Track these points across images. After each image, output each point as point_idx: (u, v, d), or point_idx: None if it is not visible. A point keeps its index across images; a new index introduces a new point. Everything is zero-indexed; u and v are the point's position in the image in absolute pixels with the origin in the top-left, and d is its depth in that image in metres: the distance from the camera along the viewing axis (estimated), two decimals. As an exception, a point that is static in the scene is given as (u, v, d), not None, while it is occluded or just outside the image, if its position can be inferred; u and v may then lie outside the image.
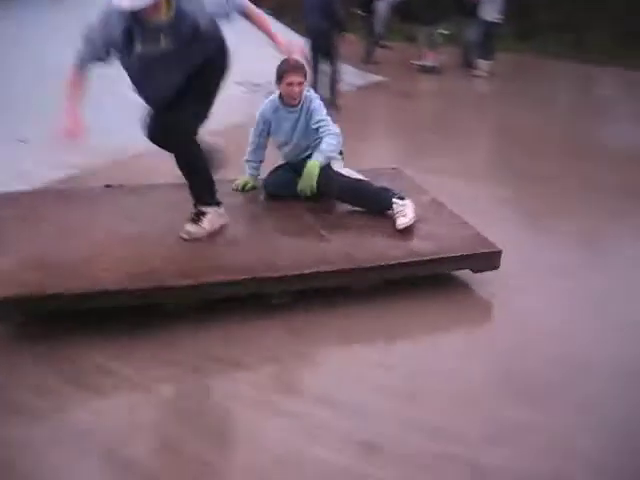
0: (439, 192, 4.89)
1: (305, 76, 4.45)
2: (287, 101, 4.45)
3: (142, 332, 3.50)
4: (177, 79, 3.80)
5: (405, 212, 4.15)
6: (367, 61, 12.05)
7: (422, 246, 4.00)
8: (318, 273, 3.71)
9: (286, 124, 4.50)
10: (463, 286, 4.11)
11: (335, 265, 3.77)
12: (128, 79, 3.80)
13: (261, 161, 4.72)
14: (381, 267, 3.83)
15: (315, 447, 2.79)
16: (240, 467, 2.76)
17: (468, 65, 12.16)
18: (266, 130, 4.60)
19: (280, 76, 4.40)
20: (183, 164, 3.93)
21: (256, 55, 7.08)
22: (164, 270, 3.60)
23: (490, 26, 11.74)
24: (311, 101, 4.45)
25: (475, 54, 12.03)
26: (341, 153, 4.58)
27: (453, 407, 3.09)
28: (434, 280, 4.03)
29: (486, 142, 8.42)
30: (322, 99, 4.62)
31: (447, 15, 12.27)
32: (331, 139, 4.35)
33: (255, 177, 4.71)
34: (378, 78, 11.12)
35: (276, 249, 3.91)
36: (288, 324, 3.64)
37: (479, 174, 6.47)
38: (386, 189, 4.34)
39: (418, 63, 12.02)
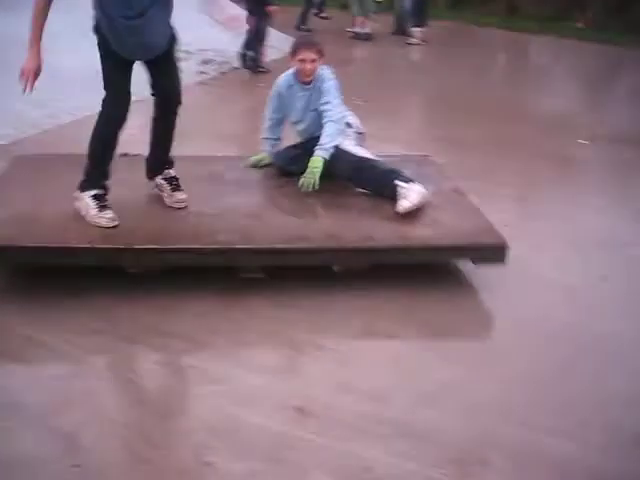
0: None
1: (319, 53, 4.24)
2: (300, 78, 4.24)
3: (79, 302, 3.44)
4: (162, 31, 3.64)
5: (408, 195, 3.90)
6: (301, 28, 11.96)
7: (418, 232, 3.78)
8: (293, 249, 3.56)
9: (299, 102, 4.28)
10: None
11: (313, 243, 3.60)
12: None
13: (278, 138, 4.49)
14: (366, 250, 3.65)
15: (250, 414, 2.78)
16: (175, 435, 2.74)
17: (402, 33, 12.10)
18: (281, 106, 4.37)
19: (293, 51, 4.24)
20: (172, 126, 3.90)
21: (187, 23, 6.94)
22: (135, 234, 3.54)
23: None
24: (323, 81, 4.20)
25: (408, 22, 12.01)
26: (360, 133, 4.40)
27: (385, 371, 3.12)
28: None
29: (420, 108, 8.45)
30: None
31: None
32: (330, 128, 4.07)
33: (271, 154, 4.46)
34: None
35: (262, 223, 3.75)
36: (236, 299, 3.57)
37: (414, 140, 6.42)
38: (393, 171, 4.06)
39: (352, 30, 11.95)
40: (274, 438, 2.68)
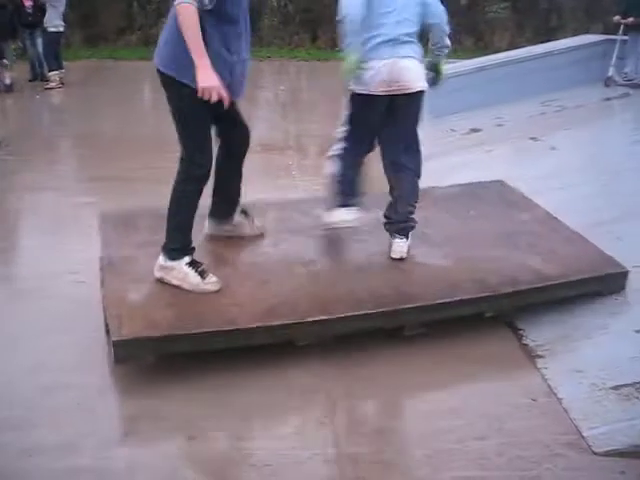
0: (35, 207, 5.30)
1: None
2: None
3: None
4: None
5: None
6: None
7: (550, 268, 3.72)
8: (456, 302, 3.45)
9: None
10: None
11: (469, 292, 3.50)
12: None
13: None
14: (515, 293, 3.58)
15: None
16: None
17: (40, 78, 11.65)
18: None
19: None
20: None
21: None
22: (299, 305, 3.32)
23: (54, 35, 11.36)
24: None
25: (44, 66, 11.62)
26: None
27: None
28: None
29: (72, 153, 8.08)
30: None
31: (10, 29, 11.46)
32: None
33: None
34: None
35: (406, 276, 3.64)
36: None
37: (70, 185, 6.43)
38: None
39: None
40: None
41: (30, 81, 11.52)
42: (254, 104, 10.38)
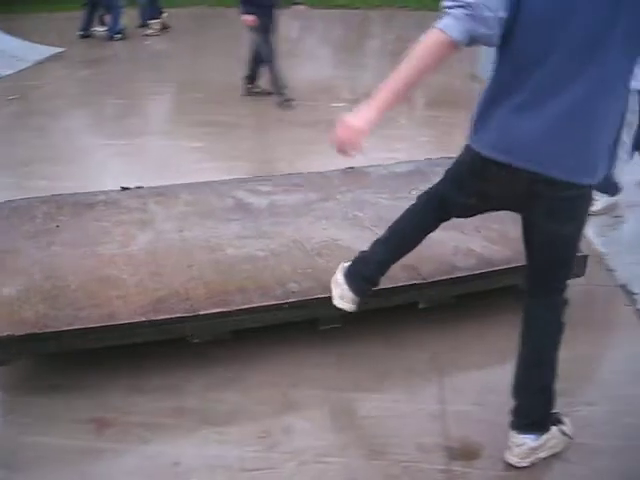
0: (143, 151, 5.62)
1: None
2: None
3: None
4: None
5: None
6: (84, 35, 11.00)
7: (496, 253, 3.32)
8: (380, 291, 2.93)
9: None
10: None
11: (397, 281, 3.06)
12: None
13: None
14: (450, 281, 3.16)
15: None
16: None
17: (144, 26, 11.73)
18: None
19: None
20: None
21: None
22: (190, 295, 2.94)
23: None
24: None
25: (146, 14, 11.70)
26: None
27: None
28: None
29: (171, 99, 8.16)
30: None
31: None
32: None
33: None
34: (55, 50, 9.90)
35: (328, 262, 3.18)
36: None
37: (174, 129, 6.62)
38: None
39: (99, 29, 11.27)
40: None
41: (139, 28, 11.73)
42: (361, 53, 10.69)
